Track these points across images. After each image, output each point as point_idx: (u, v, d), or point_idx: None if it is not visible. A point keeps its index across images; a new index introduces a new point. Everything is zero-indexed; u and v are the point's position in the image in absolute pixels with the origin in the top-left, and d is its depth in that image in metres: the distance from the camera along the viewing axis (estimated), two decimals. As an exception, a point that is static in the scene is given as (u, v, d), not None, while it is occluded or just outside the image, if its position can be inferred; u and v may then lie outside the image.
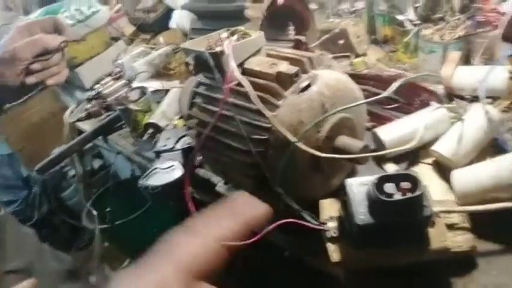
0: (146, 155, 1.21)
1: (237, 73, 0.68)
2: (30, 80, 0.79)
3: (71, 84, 1.75)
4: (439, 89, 0.94)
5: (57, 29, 0.84)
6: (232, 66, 0.67)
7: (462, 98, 0.92)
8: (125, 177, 1.83)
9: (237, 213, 0.37)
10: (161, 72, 1.44)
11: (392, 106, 0.93)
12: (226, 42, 0.70)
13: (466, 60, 1.03)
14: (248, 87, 0.66)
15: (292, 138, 0.63)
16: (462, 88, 0.92)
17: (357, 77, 1.06)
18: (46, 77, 0.81)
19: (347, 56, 1.20)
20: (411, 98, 0.92)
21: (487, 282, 0.62)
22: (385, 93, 0.66)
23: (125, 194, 1.63)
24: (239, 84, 0.69)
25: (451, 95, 0.94)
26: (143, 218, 1.59)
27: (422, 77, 0.93)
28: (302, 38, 1.07)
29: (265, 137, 0.66)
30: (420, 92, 0.92)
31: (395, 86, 0.67)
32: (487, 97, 0.84)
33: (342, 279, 0.70)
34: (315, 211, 0.70)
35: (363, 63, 1.17)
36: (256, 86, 0.68)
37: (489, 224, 0.66)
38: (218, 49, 0.69)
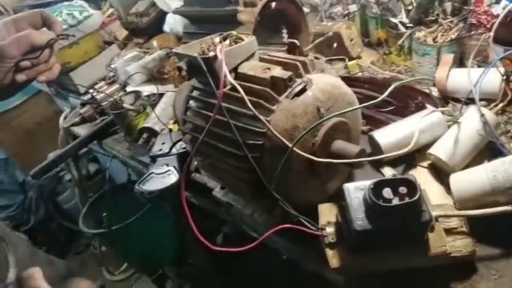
0: (141, 160, 1.20)
1: (230, 78, 0.67)
2: (21, 77, 0.75)
3: (64, 89, 1.73)
4: (434, 91, 0.94)
5: (45, 23, 0.80)
6: (224, 71, 0.67)
7: (457, 100, 0.92)
8: (121, 181, 1.82)
9: None
10: (155, 76, 1.43)
11: (387, 109, 0.93)
12: (218, 47, 0.69)
13: (460, 62, 1.03)
14: (242, 92, 0.65)
15: (288, 143, 0.62)
16: (456, 90, 0.92)
17: (351, 80, 1.06)
18: (37, 74, 0.78)
19: (341, 59, 1.19)
20: (406, 100, 0.91)
21: (487, 287, 0.61)
22: (382, 97, 0.65)
23: (122, 198, 1.62)
24: (233, 89, 0.69)
25: (446, 98, 0.94)
26: (140, 223, 1.57)
27: (417, 80, 0.93)
28: (295, 41, 1.06)
29: (261, 142, 0.66)
30: (415, 94, 0.92)
31: (390, 89, 0.66)
32: (482, 99, 0.84)
33: (341, 284, 0.70)
34: (312, 216, 0.70)
35: (357, 66, 1.16)
36: (250, 91, 0.67)
37: (487, 228, 0.66)
38: (211, 54, 0.68)
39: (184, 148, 1.03)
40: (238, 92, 0.67)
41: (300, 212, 0.69)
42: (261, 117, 0.64)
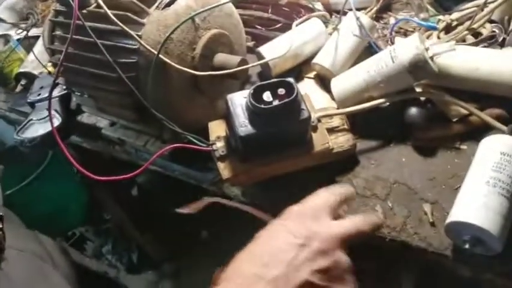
0: (23, 110, 1.08)
1: (90, -9, 0.60)
2: None
3: None
4: (318, 5, 0.95)
5: None
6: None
7: (339, 12, 0.94)
8: (11, 143, 1.65)
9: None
10: (27, 17, 1.26)
11: (275, 27, 0.92)
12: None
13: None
14: (104, 6, 0.59)
15: (163, 57, 0.59)
16: (338, 2, 0.93)
17: (239, 2, 1.03)
18: None
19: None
20: (291, 16, 0.91)
21: (367, 175, 0.66)
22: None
23: (15, 161, 1.48)
24: (98, 7, 0.62)
25: (330, 11, 0.95)
26: (37, 184, 1.46)
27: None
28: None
29: (134, 59, 0.61)
30: (299, 9, 0.92)
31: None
32: (360, 9, 0.87)
33: (240, 196, 0.71)
34: (205, 137, 0.68)
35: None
36: (116, 6, 0.61)
37: (366, 123, 0.70)
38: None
39: (65, 89, 0.94)
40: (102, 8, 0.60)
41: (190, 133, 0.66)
42: (129, 31, 0.59)
